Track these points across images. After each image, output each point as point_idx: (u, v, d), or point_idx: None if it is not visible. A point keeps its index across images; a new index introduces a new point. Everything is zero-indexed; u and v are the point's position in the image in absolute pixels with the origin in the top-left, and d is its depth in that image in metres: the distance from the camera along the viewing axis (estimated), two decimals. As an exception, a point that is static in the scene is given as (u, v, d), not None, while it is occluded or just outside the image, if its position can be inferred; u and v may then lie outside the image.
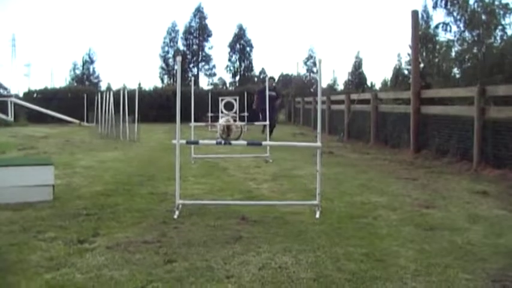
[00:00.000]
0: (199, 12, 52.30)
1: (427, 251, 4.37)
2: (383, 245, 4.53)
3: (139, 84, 43.75)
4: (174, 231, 4.99)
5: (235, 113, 19.41)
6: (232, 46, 53.17)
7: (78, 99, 29.46)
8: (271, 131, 15.20)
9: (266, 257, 4.18)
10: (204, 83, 52.83)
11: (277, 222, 5.29)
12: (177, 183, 5.72)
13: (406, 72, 20.13)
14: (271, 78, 17.76)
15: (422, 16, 16.72)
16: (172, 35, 52.15)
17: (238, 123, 15.64)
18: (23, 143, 15.04)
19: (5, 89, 45.62)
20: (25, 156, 11.51)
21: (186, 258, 4.15)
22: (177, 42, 52.17)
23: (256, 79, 52.51)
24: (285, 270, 3.86)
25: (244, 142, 7.97)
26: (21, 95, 34.86)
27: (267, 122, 13.54)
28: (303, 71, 53.14)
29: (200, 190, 7.28)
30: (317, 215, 5.57)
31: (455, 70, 14.75)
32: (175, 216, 5.51)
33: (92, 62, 53.42)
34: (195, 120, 10.96)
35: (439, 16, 25.26)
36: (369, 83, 53.48)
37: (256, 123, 15.63)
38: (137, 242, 4.61)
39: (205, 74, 52.86)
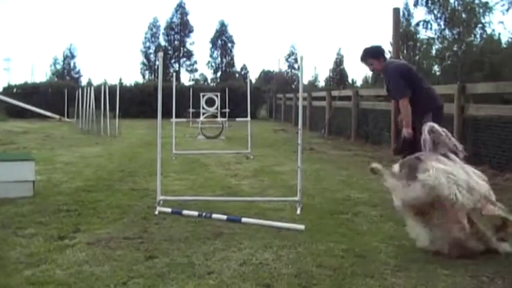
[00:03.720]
0: (180, 8, 52.18)
1: (407, 247, 4.40)
2: (363, 241, 4.56)
3: (121, 80, 43.65)
4: (155, 227, 4.99)
5: (217, 109, 19.38)
6: (213, 42, 53.13)
7: (58, 94, 29.24)
8: None
9: (247, 253, 4.19)
10: (186, 78, 52.75)
11: (259, 219, 5.29)
12: (159, 179, 5.72)
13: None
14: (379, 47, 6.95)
15: (404, 14, 16.95)
16: (154, 30, 51.97)
17: (219, 119, 15.62)
18: (2, 138, 14.90)
19: (-16, 83, 45.24)
20: (4, 151, 11.41)
21: (167, 254, 4.15)
22: (158, 38, 52.04)
23: (237, 75, 52.54)
24: (266, 266, 3.87)
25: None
26: (0, 89, 34.51)
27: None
28: (284, 67, 53.26)
29: (181, 186, 7.28)
30: (298, 211, 5.59)
31: (436, 67, 14.92)
32: (157, 212, 5.50)
33: (72, 57, 53.16)
34: (176, 116, 10.94)
35: (420, 14, 25.53)
36: (350, 80, 53.83)
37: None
38: (118, 238, 4.60)
39: (187, 70, 52.78)
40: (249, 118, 11.76)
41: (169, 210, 5.54)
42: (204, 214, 5.34)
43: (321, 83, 56.62)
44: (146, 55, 51.38)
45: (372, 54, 6.84)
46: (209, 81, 52.69)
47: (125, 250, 4.25)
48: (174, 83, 11.20)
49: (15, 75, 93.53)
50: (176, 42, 52.27)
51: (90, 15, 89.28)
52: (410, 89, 6.32)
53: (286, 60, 55.18)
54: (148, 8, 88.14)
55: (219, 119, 17.26)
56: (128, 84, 34.67)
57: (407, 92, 6.29)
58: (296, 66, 52.27)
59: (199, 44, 77.03)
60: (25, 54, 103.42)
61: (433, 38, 14.50)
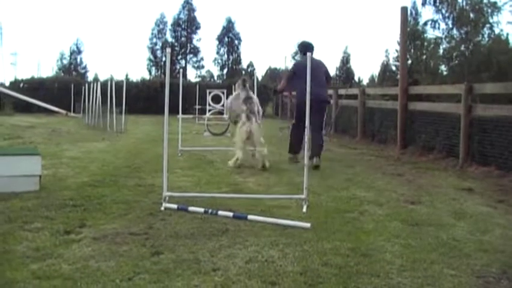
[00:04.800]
0: (188, 4, 52.11)
1: (412, 246, 4.40)
2: (369, 240, 4.56)
3: (127, 76, 43.64)
4: (161, 223, 4.99)
5: (223, 105, 19.38)
6: (220, 39, 53.07)
7: (65, 89, 29.27)
8: (316, 153, 8.86)
9: (253, 250, 4.19)
10: (192, 75, 52.74)
11: (264, 216, 5.29)
12: (165, 175, 5.72)
13: (393, 68, 20.25)
14: (305, 43, 10.03)
15: (411, 13, 16.87)
16: (161, 26, 51.91)
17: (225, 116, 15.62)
18: (9, 132, 14.94)
19: (-9, 77, 45.31)
20: (11, 146, 11.43)
21: (173, 250, 4.15)
22: (165, 34, 51.98)
23: (243, 72, 52.50)
24: (271, 264, 3.87)
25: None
26: (7, 84, 34.55)
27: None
28: (291, 65, 53.13)
29: (187, 182, 7.28)
30: (304, 209, 5.59)
31: (443, 67, 14.86)
32: (162, 208, 5.50)
33: (79, 52, 53.16)
34: (182, 113, 10.94)
35: (427, 13, 25.38)
36: (356, 78, 53.79)
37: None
38: (124, 233, 4.60)
39: (193, 67, 52.73)
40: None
41: (175, 206, 5.54)
42: (210, 211, 5.34)
43: (328, 81, 56.56)
44: (153, 51, 51.35)
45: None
46: (215, 78, 52.68)
47: (131, 246, 4.26)
48: (181, 80, 11.20)
49: (22, 69, 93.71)
50: (183, 39, 52.22)
51: (97, 10, 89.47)
52: (294, 84, 9.57)
53: (293, 58, 55.07)
54: (155, 4, 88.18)
55: (225, 116, 17.25)
56: (134, 80, 34.60)
57: (283, 84, 10.01)
58: (303, 64, 52.25)
59: (206, 41, 76.97)
60: (32, 49, 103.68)
61: (441, 38, 14.43)
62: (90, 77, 48.05)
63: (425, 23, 14.70)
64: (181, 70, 14.63)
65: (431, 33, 14.49)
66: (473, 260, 4.04)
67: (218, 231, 4.73)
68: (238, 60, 53.55)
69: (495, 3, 13.11)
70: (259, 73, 58.50)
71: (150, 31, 52.34)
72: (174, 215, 5.30)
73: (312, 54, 7.46)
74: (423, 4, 14.49)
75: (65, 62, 52.54)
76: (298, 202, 5.80)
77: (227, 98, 19.24)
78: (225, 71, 52.66)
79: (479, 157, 8.93)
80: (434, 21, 14.19)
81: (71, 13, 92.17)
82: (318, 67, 9.17)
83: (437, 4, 13.98)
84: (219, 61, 53.20)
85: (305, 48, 9.68)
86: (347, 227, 4.98)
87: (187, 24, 52.05)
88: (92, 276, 3.57)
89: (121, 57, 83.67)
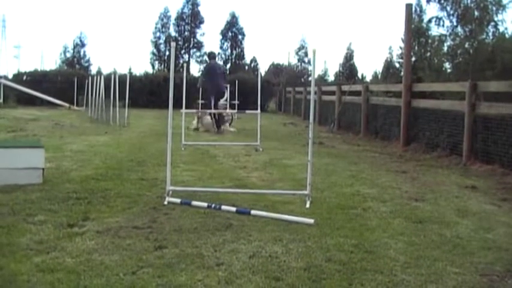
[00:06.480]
0: (191, -1, 51.96)
1: (416, 243, 4.39)
2: (373, 237, 4.55)
3: (130, 69, 43.60)
4: (165, 217, 4.99)
5: (226, 100, 19.36)
6: (224, 34, 52.90)
7: (68, 82, 29.26)
8: (218, 126, 14.87)
9: (256, 245, 4.19)
10: (195, 69, 52.62)
11: (267, 211, 5.28)
12: (168, 170, 5.72)
13: (397, 65, 20.20)
14: (211, 53, 16.94)
15: (416, 10, 16.79)
16: (164, 20, 51.76)
17: (229, 111, 15.77)
18: (12, 125, 14.95)
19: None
20: (14, 138, 11.44)
21: (177, 244, 4.15)
22: (168, 28, 51.81)
23: (247, 67, 52.47)
24: (275, 259, 3.87)
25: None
26: (11, 76, 34.55)
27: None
28: (294, 60, 53.14)
29: (190, 177, 7.28)
30: (307, 205, 5.58)
31: (447, 65, 14.82)
32: (166, 203, 5.50)
33: (82, 45, 53.02)
34: (185, 107, 10.93)
35: (432, 10, 25.30)
36: (359, 75, 53.64)
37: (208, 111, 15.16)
38: (127, 227, 4.61)
39: (197, 61, 52.58)
40: (259, 111, 11.76)
41: (178, 200, 5.55)
42: (213, 205, 5.34)
43: (331, 78, 56.49)
44: (156, 45, 51.19)
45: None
46: (219, 73, 52.50)
47: (134, 239, 4.26)
48: (185, 74, 11.18)
49: (25, 62, 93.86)
50: (186, 33, 52.03)
51: (101, 3, 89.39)
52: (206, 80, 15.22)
53: (296, 53, 55.04)
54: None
55: (228, 111, 17.24)
56: (137, 74, 34.54)
57: (201, 81, 15.85)
58: (306, 59, 52.23)
59: (210, 36, 76.59)
60: (35, 41, 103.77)
61: (445, 35, 14.37)
62: (93, 70, 47.97)
63: (429, 20, 14.66)
64: (185, 65, 14.70)
65: (435, 31, 14.46)
66: (477, 258, 4.04)
67: (221, 226, 4.73)
68: (241, 55, 53.38)
69: (500, 1, 13.07)
70: (263, 68, 58.26)
71: (153, 25, 52.20)
72: (177, 209, 5.30)
73: (215, 60, 15.39)
74: (428, 1, 14.46)
75: (68, 55, 52.44)
76: (302, 198, 5.80)
77: (230, 92, 19.35)
78: (229, 65, 52.57)
79: (482, 155, 8.91)
80: (438, 19, 14.15)
81: (75, 6, 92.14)
82: (219, 69, 15.57)
83: (442, 1, 13.94)
84: (223, 56, 53.07)
85: (211, 55, 16.42)
86: (351, 224, 4.97)
87: (191, 18, 51.89)
88: (96, 270, 3.57)
89: (124, 51, 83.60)
